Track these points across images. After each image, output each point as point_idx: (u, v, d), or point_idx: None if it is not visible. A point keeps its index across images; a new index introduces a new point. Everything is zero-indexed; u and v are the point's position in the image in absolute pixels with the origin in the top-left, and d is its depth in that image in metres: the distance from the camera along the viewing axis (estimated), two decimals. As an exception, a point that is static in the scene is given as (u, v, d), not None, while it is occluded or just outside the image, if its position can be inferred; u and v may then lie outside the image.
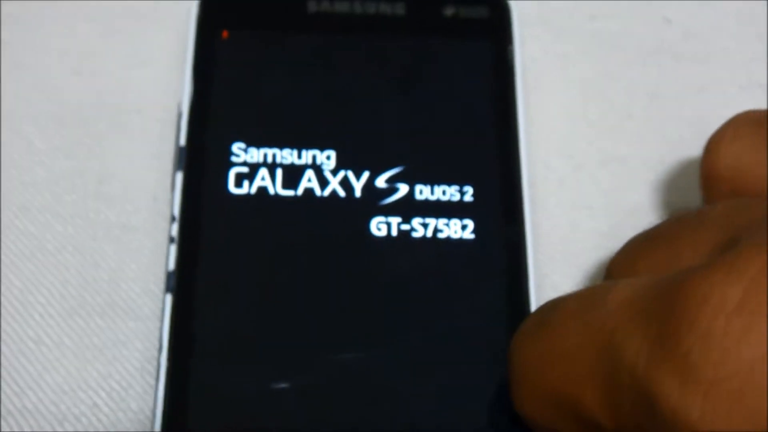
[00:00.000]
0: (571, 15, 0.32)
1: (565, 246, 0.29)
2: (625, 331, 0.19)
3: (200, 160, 0.28)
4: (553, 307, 0.23)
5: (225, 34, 0.30)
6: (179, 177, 0.28)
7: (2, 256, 0.28)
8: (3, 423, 0.26)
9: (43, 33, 0.31)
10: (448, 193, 0.28)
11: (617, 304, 0.20)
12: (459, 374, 0.26)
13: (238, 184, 0.28)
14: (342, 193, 0.28)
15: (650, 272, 0.22)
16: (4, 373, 0.26)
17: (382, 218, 0.28)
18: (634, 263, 0.24)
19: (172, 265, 0.27)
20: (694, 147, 0.30)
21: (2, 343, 0.27)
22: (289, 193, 0.28)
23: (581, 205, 0.30)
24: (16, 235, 0.28)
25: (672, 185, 0.30)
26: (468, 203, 0.28)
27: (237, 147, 0.28)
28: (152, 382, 0.26)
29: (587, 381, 0.20)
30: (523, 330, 0.23)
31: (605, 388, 0.20)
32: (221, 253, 0.27)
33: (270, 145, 0.28)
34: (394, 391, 0.26)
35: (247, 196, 0.28)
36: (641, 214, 0.29)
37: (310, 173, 0.28)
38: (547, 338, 0.22)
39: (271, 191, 0.28)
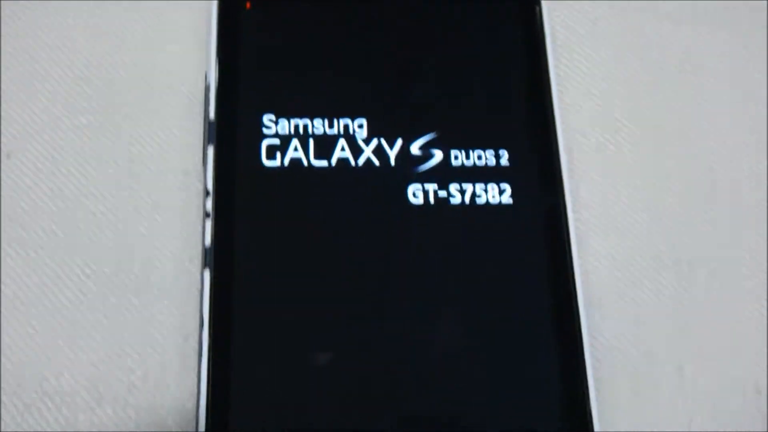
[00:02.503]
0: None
1: (604, 210, 0.29)
2: None
3: (231, 133, 0.27)
4: None
5: (248, 5, 0.29)
6: (211, 151, 0.27)
7: (36, 238, 0.27)
8: (41, 404, 0.25)
9: (70, 12, 0.30)
10: (484, 157, 0.28)
11: None
12: (500, 338, 0.26)
13: (271, 156, 0.27)
14: (376, 161, 0.27)
15: None
16: (41, 354, 0.26)
17: (418, 185, 0.27)
18: None
19: (208, 241, 0.26)
20: (732, 110, 0.30)
21: (38, 325, 0.26)
22: (323, 163, 0.27)
23: (619, 171, 0.29)
24: (50, 217, 0.28)
25: (706, 152, 0.29)
26: (504, 168, 0.27)
27: (267, 119, 0.28)
28: (188, 360, 0.26)
29: None
30: None
31: None
32: (258, 227, 0.26)
33: (301, 116, 0.28)
34: (435, 359, 0.25)
35: (281, 168, 0.27)
36: (677, 180, 0.29)
37: (342, 142, 0.28)
38: None
39: (305, 162, 0.27)
